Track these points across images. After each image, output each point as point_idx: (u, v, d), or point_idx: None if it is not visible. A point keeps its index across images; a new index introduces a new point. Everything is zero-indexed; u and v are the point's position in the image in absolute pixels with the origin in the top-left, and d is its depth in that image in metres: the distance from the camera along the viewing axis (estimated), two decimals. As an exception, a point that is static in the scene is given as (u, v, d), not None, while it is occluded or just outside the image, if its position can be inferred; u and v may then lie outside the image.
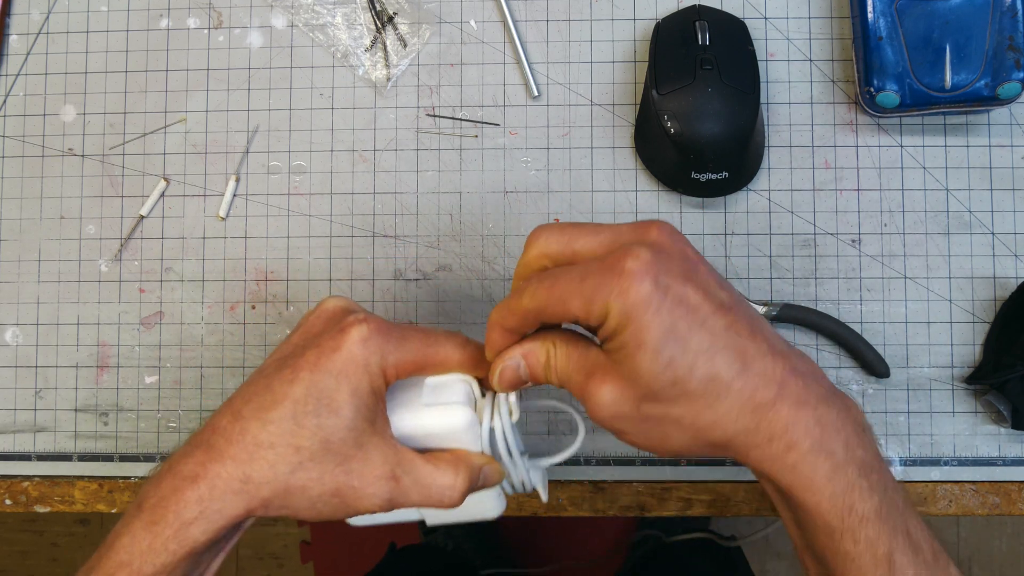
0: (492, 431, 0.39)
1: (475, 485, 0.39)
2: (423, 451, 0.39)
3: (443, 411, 0.39)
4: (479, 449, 0.40)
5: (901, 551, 0.34)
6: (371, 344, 0.36)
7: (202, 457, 0.36)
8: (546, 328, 0.37)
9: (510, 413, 0.40)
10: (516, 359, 0.37)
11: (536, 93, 0.55)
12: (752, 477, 0.53)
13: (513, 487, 0.42)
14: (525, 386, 0.39)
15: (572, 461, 0.54)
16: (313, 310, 0.40)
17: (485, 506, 0.42)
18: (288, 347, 0.38)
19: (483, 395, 0.40)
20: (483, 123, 0.55)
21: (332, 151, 0.55)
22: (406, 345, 0.38)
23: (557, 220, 0.54)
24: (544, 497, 0.43)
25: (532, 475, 0.42)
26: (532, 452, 0.43)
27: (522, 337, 0.38)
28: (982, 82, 0.49)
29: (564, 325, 0.38)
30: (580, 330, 0.37)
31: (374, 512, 0.37)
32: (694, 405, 0.33)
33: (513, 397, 0.40)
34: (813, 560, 0.36)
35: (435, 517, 0.43)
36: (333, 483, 0.36)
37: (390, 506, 0.37)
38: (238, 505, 0.35)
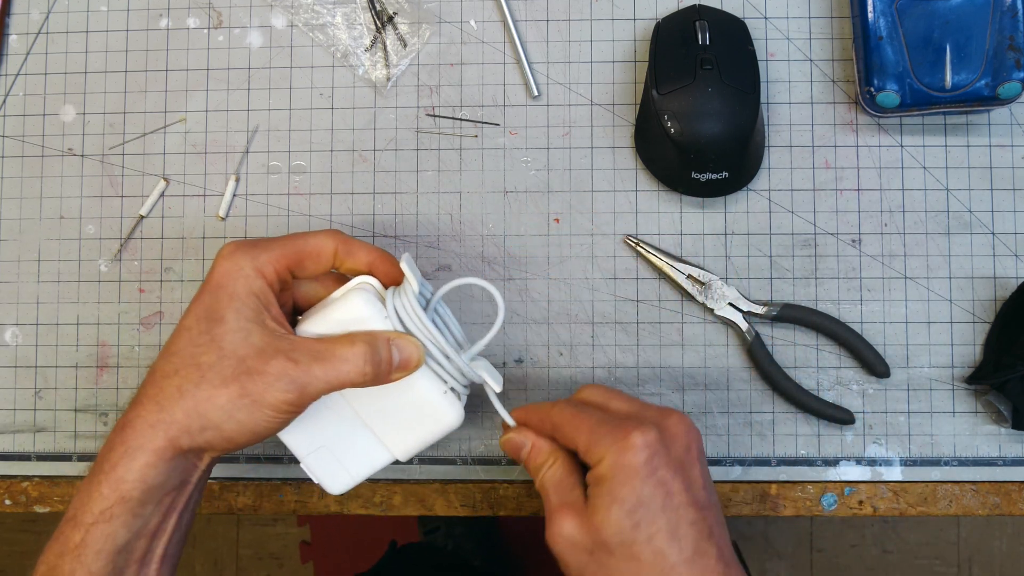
0: (396, 309, 0.41)
1: (384, 357, 0.40)
2: None
3: (341, 300, 0.41)
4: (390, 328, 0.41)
5: None
6: (237, 254, 0.40)
7: (128, 409, 0.39)
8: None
9: (412, 284, 0.41)
10: (527, 442, 0.43)
11: (536, 93, 0.55)
12: (753, 478, 0.53)
13: (453, 377, 0.43)
14: (516, 463, 0.45)
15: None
16: None
17: (438, 412, 0.43)
18: None
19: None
20: (483, 123, 0.55)
21: (332, 151, 0.55)
22: (273, 243, 0.41)
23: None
24: (496, 387, 0.44)
25: (474, 366, 0.43)
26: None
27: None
28: (982, 82, 0.49)
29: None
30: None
31: (291, 405, 0.38)
32: (638, 572, 0.37)
33: (411, 274, 0.41)
34: None
35: (400, 447, 0.43)
36: (236, 384, 0.37)
37: (300, 392, 0.38)
38: (156, 436, 0.37)
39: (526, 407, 0.44)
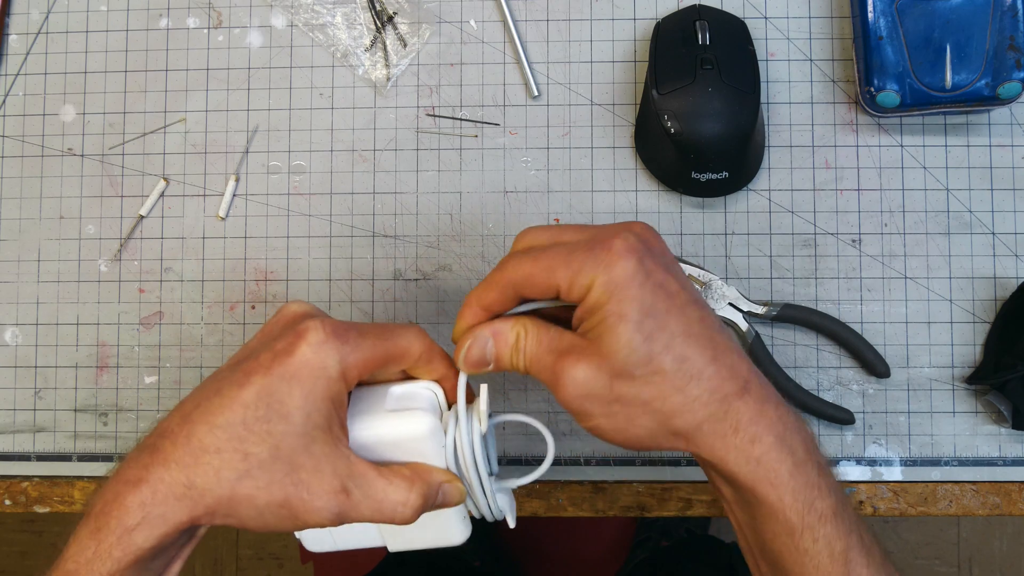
0: (456, 444, 0.38)
1: (431, 503, 0.37)
2: (382, 463, 0.37)
3: (405, 417, 0.38)
4: (442, 462, 0.38)
5: (856, 550, 0.35)
6: (327, 347, 0.35)
7: (147, 460, 0.34)
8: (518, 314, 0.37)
9: (479, 421, 0.38)
10: (485, 337, 0.37)
11: (536, 93, 0.55)
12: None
13: (479, 509, 0.40)
14: (488, 369, 0.38)
15: (571, 461, 0.53)
16: (274, 314, 0.39)
17: (449, 531, 0.41)
18: (245, 351, 0.37)
19: (449, 408, 0.39)
20: (483, 123, 0.55)
21: (332, 151, 0.55)
22: (364, 342, 0.36)
23: (557, 220, 0.54)
24: (512, 523, 0.41)
25: (499, 498, 0.40)
26: (502, 475, 0.41)
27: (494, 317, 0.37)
28: (982, 82, 0.49)
29: (527, 307, 0.38)
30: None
31: (323, 526, 0.36)
32: (665, 386, 0.34)
33: (483, 406, 0.38)
34: (765, 561, 0.37)
35: (396, 542, 0.41)
36: (281, 493, 0.34)
37: (339, 520, 0.36)
38: (181, 512, 0.34)
39: (472, 296, 0.38)
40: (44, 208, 0.56)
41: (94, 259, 0.56)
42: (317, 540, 0.41)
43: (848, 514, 0.35)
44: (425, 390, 0.39)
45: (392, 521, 0.36)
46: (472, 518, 0.41)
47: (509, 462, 0.54)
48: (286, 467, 0.34)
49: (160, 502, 0.34)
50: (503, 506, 0.40)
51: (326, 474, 0.35)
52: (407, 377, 0.40)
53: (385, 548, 0.44)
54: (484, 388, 0.38)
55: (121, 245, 0.56)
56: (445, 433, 0.38)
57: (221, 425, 0.34)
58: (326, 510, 0.35)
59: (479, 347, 0.37)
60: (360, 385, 0.39)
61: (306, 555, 1.35)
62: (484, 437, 0.39)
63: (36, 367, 0.56)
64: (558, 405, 0.53)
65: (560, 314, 0.39)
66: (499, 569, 1.26)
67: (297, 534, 0.41)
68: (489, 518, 0.41)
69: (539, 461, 0.54)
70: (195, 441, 0.34)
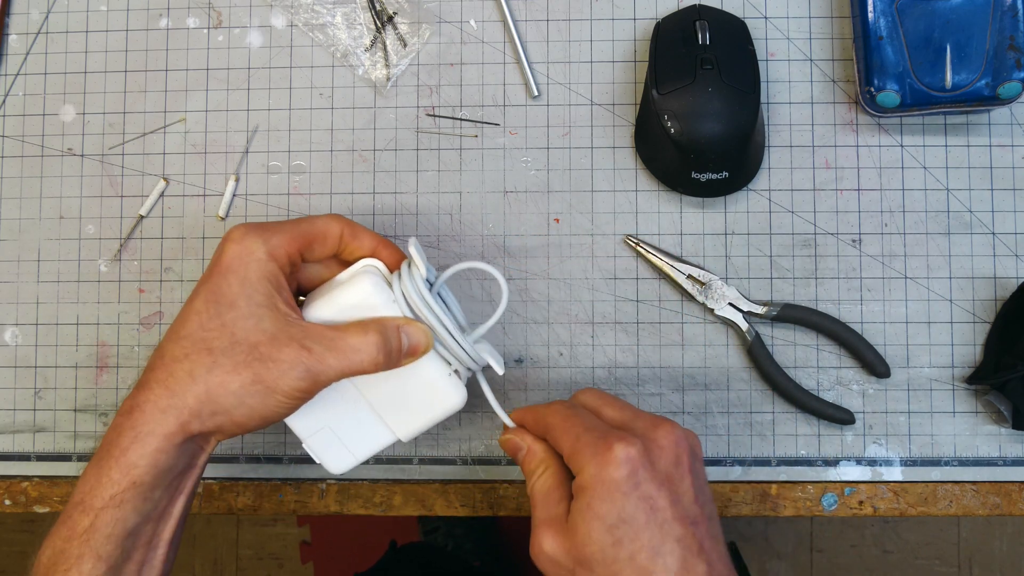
0: (408, 302, 0.41)
1: (395, 345, 0.40)
2: None
3: (348, 284, 0.41)
4: (398, 313, 0.41)
5: None
6: (248, 237, 0.39)
7: (135, 393, 0.38)
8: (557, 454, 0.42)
9: (418, 268, 0.41)
10: (523, 445, 0.43)
11: (536, 93, 0.55)
12: (753, 478, 0.53)
13: (459, 360, 0.43)
14: (514, 456, 0.43)
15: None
16: None
17: (443, 397, 0.43)
18: None
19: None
20: (483, 123, 0.55)
21: (332, 151, 0.55)
22: (283, 227, 0.41)
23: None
24: (499, 369, 0.44)
25: (478, 349, 0.43)
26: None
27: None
28: (983, 82, 0.49)
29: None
30: None
31: (301, 390, 0.38)
32: None
33: (416, 255, 0.41)
34: None
35: (404, 429, 0.44)
36: (249, 371, 0.37)
37: (313, 380, 0.38)
38: (167, 422, 0.37)
39: (524, 408, 0.44)
40: (44, 208, 0.56)
41: (94, 259, 0.56)
42: (337, 460, 0.44)
43: None
44: (366, 267, 0.43)
45: (362, 366, 0.39)
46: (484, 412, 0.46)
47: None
48: (246, 347, 0.38)
49: (148, 420, 0.37)
50: (484, 354, 0.43)
51: (282, 341, 0.38)
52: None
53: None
54: (412, 240, 0.42)
55: (121, 245, 0.56)
56: (392, 288, 0.42)
57: (184, 335, 0.38)
58: (294, 369, 0.38)
59: (515, 448, 0.43)
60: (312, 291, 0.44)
61: (306, 555, 1.35)
62: (437, 293, 0.43)
63: (36, 367, 0.56)
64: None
65: None
66: (499, 569, 1.26)
67: (317, 459, 0.44)
68: (471, 365, 0.43)
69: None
70: (167, 357, 0.38)
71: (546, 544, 0.38)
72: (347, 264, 0.44)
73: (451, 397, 0.43)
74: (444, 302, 0.44)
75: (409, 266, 0.42)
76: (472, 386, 0.46)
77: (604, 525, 0.36)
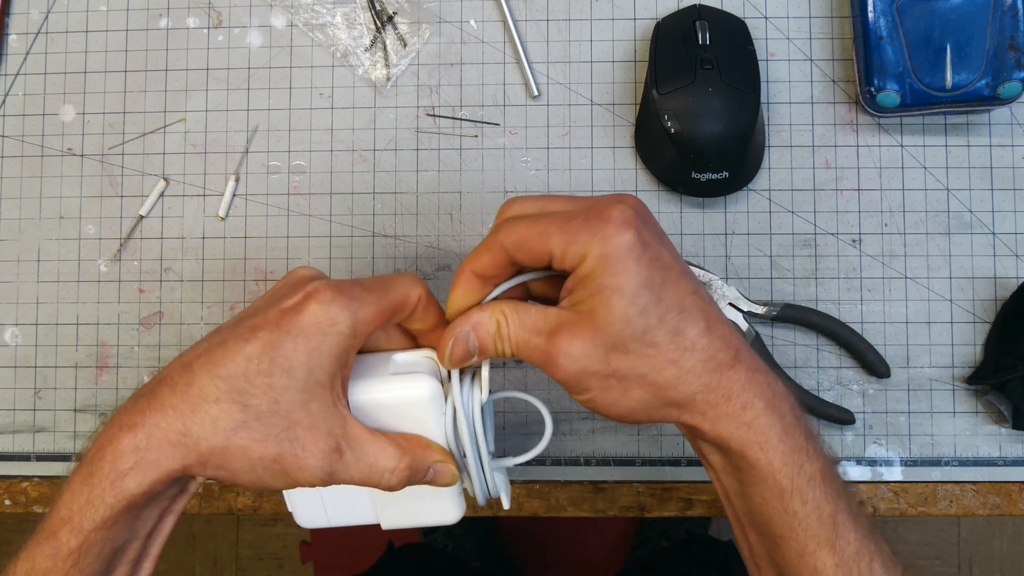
0: (455, 411, 0.38)
1: (420, 477, 0.38)
2: (380, 428, 0.37)
3: (407, 380, 0.38)
4: (441, 430, 0.38)
5: (844, 514, 0.35)
6: (336, 305, 0.35)
7: (143, 406, 0.34)
8: (495, 301, 0.37)
9: (479, 390, 0.38)
10: (465, 332, 0.37)
11: (536, 93, 0.55)
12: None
13: (473, 486, 0.40)
14: (474, 362, 0.38)
15: (571, 461, 0.53)
16: (283, 278, 0.39)
17: (443, 509, 0.41)
18: (251, 309, 0.37)
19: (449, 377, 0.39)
20: (483, 123, 0.55)
21: (332, 151, 0.55)
22: (369, 296, 0.36)
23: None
24: (506, 504, 0.41)
25: (495, 477, 0.40)
26: (498, 456, 0.42)
27: (478, 303, 0.37)
28: (983, 82, 0.49)
29: (511, 283, 0.38)
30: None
31: (312, 485, 0.36)
32: (659, 359, 0.34)
33: (485, 373, 0.38)
34: (753, 528, 0.37)
35: (389, 518, 0.41)
36: (276, 448, 0.34)
37: (329, 480, 0.36)
38: (174, 458, 0.34)
39: (459, 271, 0.37)
40: (44, 208, 0.56)
41: (94, 259, 0.56)
42: (310, 515, 0.42)
43: (836, 479, 0.36)
44: (426, 358, 0.40)
45: (378, 486, 0.37)
46: (470, 499, 0.41)
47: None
48: (283, 422, 0.34)
49: (154, 447, 0.34)
50: (498, 484, 0.41)
51: (321, 432, 0.35)
52: (408, 347, 0.41)
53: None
54: (487, 364, 0.39)
55: (121, 245, 0.56)
56: (445, 398, 0.38)
57: (223, 376, 0.34)
58: (318, 468, 0.35)
59: (461, 343, 0.37)
60: (362, 352, 0.40)
61: (306, 555, 1.35)
62: (483, 411, 0.39)
63: (36, 367, 0.56)
64: (558, 404, 0.53)
65: (540, 292, 0.39)
66: (499, 569, 1.26)
67: (290, 508, 0.41)
68: (483, 497, 0.41)
69: (539, 459, 0.54)
70: (195, 390, 0.34)
71: (573, 348, 0.34)
72: (407, 335, 0.41)
73: (450, 512, 0.41)
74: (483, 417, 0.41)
75: (472, 383, 0.39)
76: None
77: (625, 298, 0.33)
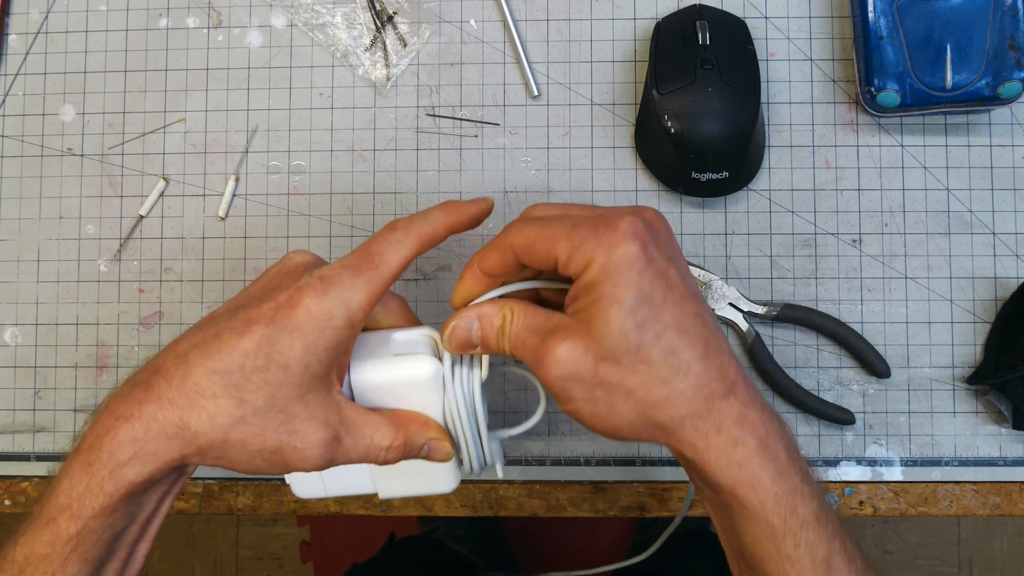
0: (455, 390, 0.39)
1: (415, 452, 0.38)
2: (380, 408, 0.38)
3: (408, 361, 0.39)
4: (440, 407, 0.39)
5: (839, 556, 0.34)
6: (328, 297, 0.35)
7: (140, 396, 0.35)
8: (505, 296, 0.38)
9: (479, 368, 0.39)
10: (471, 319, 0.37)
11: (536, 93, 0.54)
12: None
13: (469, 459, 0.41)
14: (474, 351, 0.38)
15: (571, 461, 0.53)
16: (277, 263, 0.39)
17: (438, 479, 0.41)
18: (245, 297, 0.37)
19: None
20: (483, 123, 0.55)
21: (332, 151, 0.55)
22: (358, 281, 0.36)
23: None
24: (500, 473, 0.42)
25: (491, 447, 0.41)
26: (492, 427, 0.42)
27: (482, 297, 0.38)
28: (983, 82, 0.49)
29: (521, 287, 0.38)
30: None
31: (311, 471, 0.37)
32: (650, 376, 0.33)
33: (487, 360, 0.39)
34: (745, 564, 0.36)
35: (386, 489, 0.42)
36: (275, 441, 0.35)
37: (329, 465, 0.37)
38: (172, 450, 0.34)
39: (467, 267, 0.38)
40: (44, 208, 0.56)
41: (94, 259, 0.56)
42: (308, 488, 0.42)
43: (831, 520, 0.35)
44: (425, 336, 0.40)
45: (375, 462, 0.37)
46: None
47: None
48: (281, 416, 0.35)
49: (152, 439, 0.34)
50: (494, 455, 0.41)
51: (319, 423, 0.35)
52: (408, 321, 0.41)
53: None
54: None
55: (121, 245, 0.55)
56: (444, 376, 0.39)
57: (219, 371, 0.34)
58: (318, 457, 0.36)
59: (464, 329, 0.37)
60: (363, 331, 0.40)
61: (306, 555, 1.35)
62: (482, 386, 0.40)
63: (36, 367, 0.56)
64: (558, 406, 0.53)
65: (551, 298, 0.39)
66: (499, 569, 1.26)
67: (287, 480, 0.42)
68: (480, 468, 0.41)
69: (539, 459, 0.54)
70: (191, 383, 0.34)
71: (562, 352, 0.33)
72: (408, 311, 0.42)
73: (445, 483, 0.41)
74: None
75: (472, 365, 0.39)
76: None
77: (624, 309, 0.33)
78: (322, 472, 0.41)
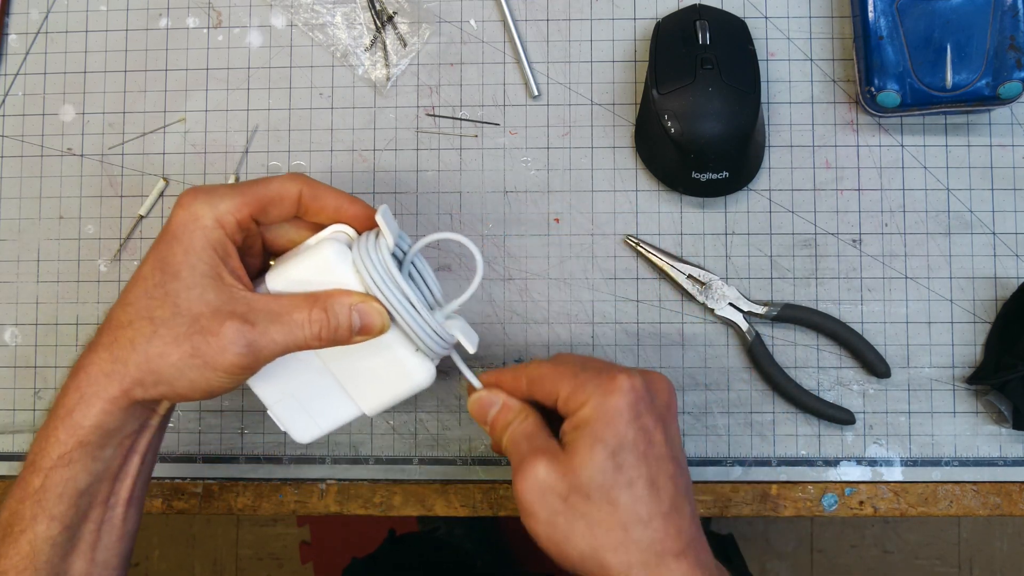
0: (370, 274, 0.39)
1: (344, 322, 0.38)
2: None
3: (311, 251, 0.40)
4: (358, 282, 0.39)
5: None
6: (196, 203, 0.38)
7: (84, 354, 0.39)
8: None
9: (385, 236, 0.39)
10: (496, 401, 0.41)
11: (536, 93, 0.55)
12: (754, 478, 0.53)
13: (422, 340, 0.40)
14: (484, 428, 0.42)
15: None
16: None
17: (409, 374, 0.41)
18: None
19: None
20: (483, 123, 0.55)
21: (332, 151, 0.55)
22: (234, 190, 0.39)
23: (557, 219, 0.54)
24: (470, 347, 0.42)
25: (448, 325, 0.41)
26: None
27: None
28: (983, 82, 0.49)
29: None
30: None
31: (242, 365, 0.37)
32: (613, 518, 0.36)
33: (385, 225, 0.39)
34: None
35: (369, 404, 0.42)
36: (188, 344, 0.37)
37: (254, 352, 0.37)
38: (111, 386, 0.37)
39: (498, 370, 0.43)
40: (44, 208, 0.56)
41: (94, 259, 0.56)
42: (303, 429, 0.43)
43: None
44: (334, 233, 0.41)
45: (306, 343, 0.38)
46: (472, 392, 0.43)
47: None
48: (187, 319, 0.37)
49: (92, 382, 0.37)
50: (455, 331, 0.41)
51: (224, 314, 0.37)
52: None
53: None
54: (382, 208, 0.40)
55: (121, 245, 0.56)
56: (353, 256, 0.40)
57: (130, 302, 0.38)
58: (235, 344, 0.37)
59: (487, 404, 0.41)
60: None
61: (306, 555, 1.35)
62: (412, 264, 0.41)
63: (36, 367, 0.56)
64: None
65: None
66: (499, 569, 1.26)
67: (282, 427, 0.43)
68: (435, 346, 0.41)
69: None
70: (113, 321, 0.38)
71: (540, 471, 0.37)
72: (316, 227, 0.42)
73: (417, 375, 0.41)
74: (420, 274, 0.42)
75: (376, 237, 0.40)
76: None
77: (607, 450, 0.36)
78: (302, 402, 0.42)
